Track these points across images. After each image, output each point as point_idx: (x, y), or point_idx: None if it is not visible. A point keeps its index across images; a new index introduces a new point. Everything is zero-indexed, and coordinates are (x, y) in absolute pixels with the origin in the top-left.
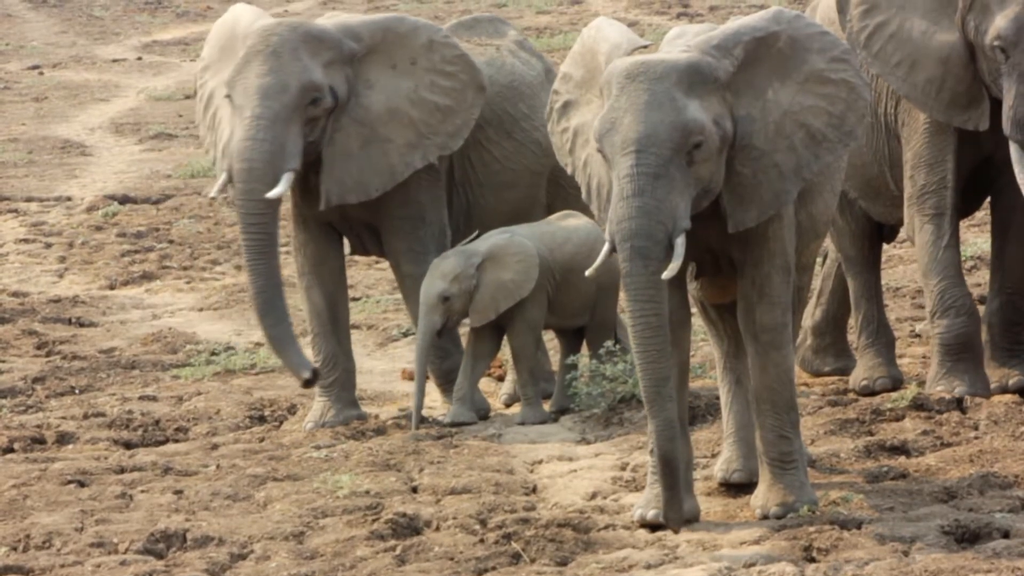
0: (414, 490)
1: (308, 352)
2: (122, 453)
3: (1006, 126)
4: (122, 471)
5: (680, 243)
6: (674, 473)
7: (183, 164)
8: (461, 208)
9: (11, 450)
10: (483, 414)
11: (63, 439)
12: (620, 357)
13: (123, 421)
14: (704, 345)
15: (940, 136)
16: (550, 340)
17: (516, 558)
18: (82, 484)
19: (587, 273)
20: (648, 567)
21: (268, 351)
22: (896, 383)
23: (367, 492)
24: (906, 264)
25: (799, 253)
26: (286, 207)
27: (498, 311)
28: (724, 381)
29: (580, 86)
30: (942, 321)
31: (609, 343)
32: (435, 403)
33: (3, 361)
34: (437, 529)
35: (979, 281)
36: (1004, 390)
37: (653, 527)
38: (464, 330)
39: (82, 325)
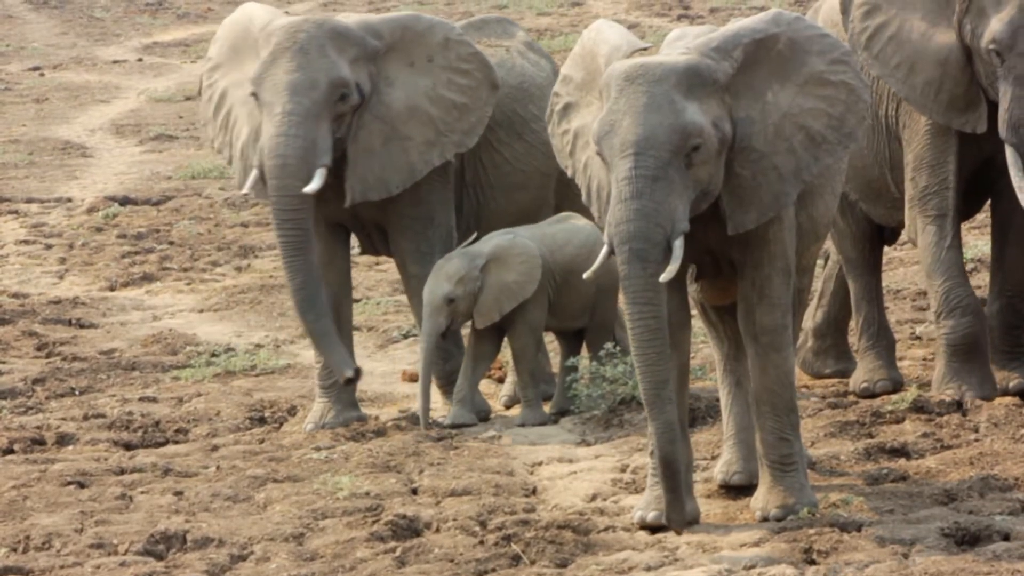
0: (414, 492)
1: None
2: (122, 454)
3: (1001, 129)
4: (122, 472)
5: (678, 245)
6: (675, 475)
7: (183, 165)
8: (471, 209)
9: (11, 451)
10: (483, 416)
11: (63, 440)
12: (620, 359)
13: (123, 422)
14: (704, 347)
15: (941, 138)
16: (550, 342)
17: (516, 560)
18: (82, 485)
19: (586, 276)
20: (648, 569)
21: (268, 353)
22: (896, 385)
23: (367, 493)
24: (907, 266)
25: (799, 255)
26: None
27: (502, 312)
28: (724, 383)
29: (580, 88)
30: (948, 322)
31: (609, 345)
32: (436, 405)
33: (3, 362)
34: (437, 531)
35: (979, 284)
36: (1004, 392)
37: (653, 529)
38: (465, 331)
39: (82, 326)
